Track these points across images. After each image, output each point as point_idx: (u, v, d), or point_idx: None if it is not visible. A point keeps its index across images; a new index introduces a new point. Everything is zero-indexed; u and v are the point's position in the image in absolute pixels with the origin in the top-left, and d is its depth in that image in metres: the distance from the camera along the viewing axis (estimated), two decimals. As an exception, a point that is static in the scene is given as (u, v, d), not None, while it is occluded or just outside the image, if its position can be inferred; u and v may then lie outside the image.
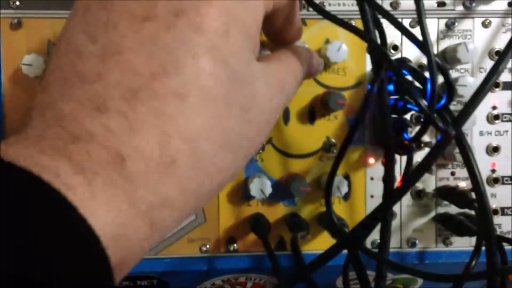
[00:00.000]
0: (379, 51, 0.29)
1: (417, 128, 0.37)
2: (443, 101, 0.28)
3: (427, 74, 0.31)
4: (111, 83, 0.18)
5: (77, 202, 0.15)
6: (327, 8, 0.37)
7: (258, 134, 0.23)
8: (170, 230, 0.20)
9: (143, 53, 0.19)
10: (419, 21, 0.27)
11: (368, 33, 0.30)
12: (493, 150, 0.39)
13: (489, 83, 0.29)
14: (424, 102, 0.27)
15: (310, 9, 0.37)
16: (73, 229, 0.15)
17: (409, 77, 0.34)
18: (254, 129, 0.22)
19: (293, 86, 0.26)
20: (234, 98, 0.21)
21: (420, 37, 0.27)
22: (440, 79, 0.29)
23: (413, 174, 0.29)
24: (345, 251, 0.34)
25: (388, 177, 0.31)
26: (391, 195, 0.31)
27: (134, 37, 0.19)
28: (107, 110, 0.18)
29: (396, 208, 0.39)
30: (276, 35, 0.29)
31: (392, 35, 0.38)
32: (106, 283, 0.16)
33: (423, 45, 0.26)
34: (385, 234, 0.32)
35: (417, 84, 0.33)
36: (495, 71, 0.29)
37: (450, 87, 0.27)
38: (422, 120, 0.36)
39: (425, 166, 0.29)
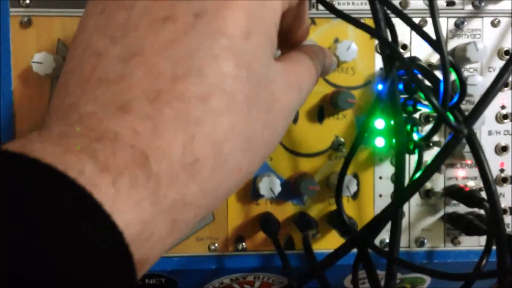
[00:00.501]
0: (391, 48, 0.29)
1: (426, 127, 0.37)
2: (455, 99, 0.28)
3: (436, 73, 0.31)
4: (134, 84, 0.18)
5: (102, 199, 0.15)
6: (338, 7, 0.37)
7: (276, 135, 0.23)
8: (191, 228, 0.20)
9: (165, 55, 0.19)
10: (433, 18, 0.27)
11: (380, 30, 0.30)
12: (502, 149, 0.39)
13: (500, 82, 0.29)
14: (436, 101, 0.27)
15: (320, 8, 0.37)
16: (98, 225, 0.15)
17: (419, 76, 0.34)
18: (273, 130, 0.22)
19: (309, 86, 0.26)
20: (256, 100, 0.21)
21: (432, 36, 0.28)
22: (450, 77, 0.29)
23: (423, 173, 0.29)
24: (354, 250, 0.34)
25: (398, 176, 0.31)
26: (401, 194, 0.31)
27: (155, 38, 0.19)
28: (131, 111, 0.18)
29: (404, 207, 0.39)
30: (286, 34, 0.29)
31: (401, 34, 0.38)
32: (129, 280, 0.16)
33: (436, 43, 0.26)
34: (395, 233, 0.32)
35: (427, 83, 0.33)
36: (506, 70, 0.29)
37: (462, 85, 0.27)
38: (432, 119, 0.36)
39: (436, 165, 0.29)
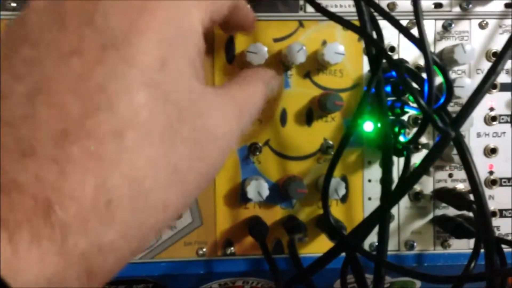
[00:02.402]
0: (377, 47, 0.29)
1: (414, 129, 0.37)
2: (441, 101, 0.28)
3: (424, 76, 0.30)
4: (39, 125, 0.17)
5: None
6: (324, 9, 0.37)
7: (210, 167, 0.22)
8: (114, 273, 0.19)
9: (72, 93, 0.17)
10: (416, 17, 0.27)
11: (365, 29, 0.30)
12: (491, 151, 0.38)
13: (487, 84, 0.29)
14: (423, 102, 0.27)
15: (308, 10, 0.37)
16: None
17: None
18: (207, 163, 0.21)
19: (252, 111, 0.25)
20: (179, 133, 0.19)
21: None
22: (438, 80, 0.29)
23: (411, 176, 0.29)
24: (343, 254, 0.34)
25: (385, 179, 0.31)
26: (389, 197, 0.31)
27: (61, 74, 0.18)
28: (34, 155, 0.16)
29: (394, 210, 0.39)
30: (233, 30, 0.30)
31: (389, 37, 0.38)
32: None
33: (419, 41, 0.26)
34: (383, 236, 0.31)
35: (414, 85, 0.33)
36: (493, 72, 0.29)
37: (449, 85, 0.27)
38: (420, 121, 0.36)
39: (424, 168, 0.29)
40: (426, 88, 0.26)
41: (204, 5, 0.22)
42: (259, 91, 0.27)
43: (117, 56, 0.18)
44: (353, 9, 0.31)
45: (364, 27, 0.28)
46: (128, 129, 0.18)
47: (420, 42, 0.26)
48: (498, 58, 0.30)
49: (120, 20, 0.19)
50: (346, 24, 0.30)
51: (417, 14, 0.27)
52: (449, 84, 0.27)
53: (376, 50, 0.29)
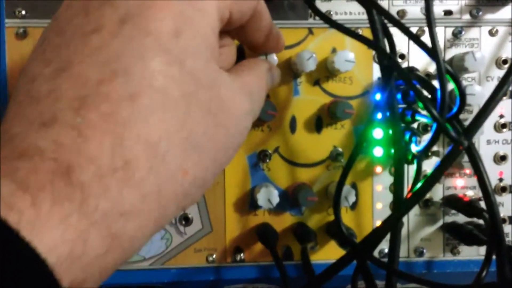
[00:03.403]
0: (389, 59, 0.29)
1: (425, 136, 0.37)
2: (454, 110, 0.28)
3: (435, 84, 0.31)
4: (60, 96, 0.18)
5: (20, 223, 0.15)
6: (334, 17, 0.37)
7: (228, 137, 0.23)
8: (138, 242, 0.19)
9: (91, 63, 0.19)
10: (428, 25, 0.27)
11: (378, 41, 0.30)
12: (501, 158, 0.38)
13: (500, 93, 0.29)
14: (435, 111, 0.27)
15: (317, 18, 0.37)
16: (15, 254, 0.14)
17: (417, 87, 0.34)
18: (223, 132, 0.22)
19: (259, 93, 0.26)
20: (196, 99, 0.20)
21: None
22: (448, 87, 0.29)
23: (423, 185, 0.29)
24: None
25: (397, 187, 0.31)
26: (400, 205, 0.31)
27: (82, 50, 0.19)
28: (55, 123, 0.17)
29: (403, 217, 0.39)
30: (254, 47, 0.30)
31: (399, 44, 0.38)
32: None
33: (432, 50, 0.26)
34: (395, 245, 0.31)
35: (425, 93, 0.33)
36: (506, 80, 0.29)
37: (461, 94, 0.26)
38: (431, 129, 0.36)
39: (436, 177, 0.29)
40: (438, 97, 0.26)
41: None
42: (264, 76, 0.28)
43: (133, 27, 0.19)
44: (363, 17, 0.31)
45: (376, 38, 0.28)
46: (143, 93, 0.19)
47: (432, 51, 0.26)
48: (510, 66, 0.30)
49: None
50: (357, 36, 0.30)
51: (430, 22, 0.27)
52: (462, 93, 0.27)
53: (388, 63, 0.29)
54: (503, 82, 0.28)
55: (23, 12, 0.36)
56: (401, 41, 0.37)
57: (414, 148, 0.32)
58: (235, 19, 0.25)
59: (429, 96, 0.32)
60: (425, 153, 0.33)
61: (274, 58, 0.35)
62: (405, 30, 0.28)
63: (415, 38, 0.27)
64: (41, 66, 0.20)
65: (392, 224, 0.30)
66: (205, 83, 0.21)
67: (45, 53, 0.20)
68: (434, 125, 0.28)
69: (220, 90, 0.22)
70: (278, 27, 0.37)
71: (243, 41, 0.30)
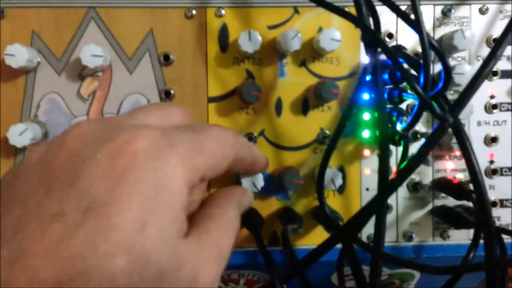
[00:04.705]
0: (373, 36, 0.28)
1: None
2: (440, 86, 0.27)
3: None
4: None
5: None
6: (320, -5, 0.36)
7: None
8: None
9: (49, 259, 0.18)
10: None
11: (362, 18, 0.29)
12: (491, 140, 0.38)
13: (486, 69, 0.28)
14: (420, 88, 0.26)
15: (302, -4, 0.36)
16: None
17: (405, 65, 0.33)
18: None
19: (228, 248, 0.25)
20: None
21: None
22: (437, 67, 0.28)
23: (409, 164, 0.28)
24: (339, 246, 0.33)
25: (382, 169, 0.30)
26: (385, 186, 0.30)
27: (41, 240, 0.18)
28: None
29: (392, 201, 0.38)
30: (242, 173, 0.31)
31: (387, 22, 0.37)
32: None
33: (415, 23, 0.25)
34: (380, 227, 0.30)
35: (413, 72, 0.32)
36: (492, 57, 0.28)
37: (447, 69, 0.25)
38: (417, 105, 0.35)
39: (421, 156, 0.28)
40: (422, 71, 0.25)
41: (192, 165, 0.22)
42: (233, 215, 0.27)
43: (97, 220, 0.19)
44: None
45: (360, 15, 0.27)
46: None
47: (415, 23, 0.25)
48: (497, 43, 0.29)
49: (103, 184, 0.20)
50: (341, 13, 0.29)
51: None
52: (447, 68, 0.26)
53: (373, 40, 0.28)
54: (489, 58, 0.27)
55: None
56: (389, 20, 0.37)
57: (399, 127, 0.32)
58: (210, 177, 0.24)
59: (417, 74, 0.31)
60: (411, 132, 0.32)
61: (258, 37, 0.34)
62: (390, 4, 0.27)
63: (398, 11, 0.26)
64: None
65: (377, 206, 0.30)
66: (170, 270, 0.20)
67: (4, 227, 0.19)
68: (418, 102, 0.27)
69: (188, 268, 0.21)
70: (262, 6, 0.36)
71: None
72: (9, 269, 0.18)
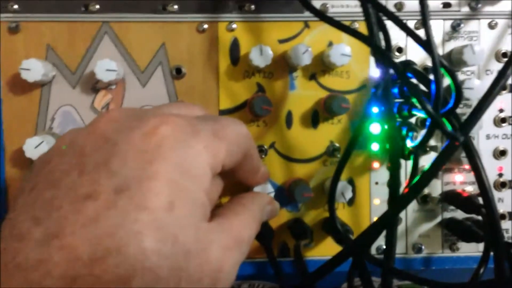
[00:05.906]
0: (383, 55, 0.28)
1: (423, 131, 0.36)
2: (450, 105, 0.27)
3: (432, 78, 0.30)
4: (51, 270, 0.18)
5: None
6: (330, 10, 0.37)
7: None
8: None
9: (84, 236, 0.19)
10: (422, 17, 0.26)
11: (372, 37, 0.29)
12: (500, 153, 0.38)
13: (497, 87, 0.28)
14: (430, 106, 0.26)
15: (313, 11, 0.37)
16: None
17: (414, 80, 0.33)
18: None
19: (250, 236, 0.26)
20: (185, 271, 0.20)
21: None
22: (446, 82, 0.28)
23: (419, 181, 0.29)
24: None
25: (393, 183, 0.30)
26: (396, 201, 0.30)
27: (76, 218, 0.19)
28: None
29: (401, 213, 0.38)
30: (241, 182, 0.31)
31: (397, 37, 0.37)
32: None
33: (427, 44, 0.25)
34: (391, 242, 0.31)
35: (422, 87, 0.32)
36: (504, 74, 0.29)
37: (457, 88, 0.26)
38: (428, 124, 0.35)
39: (432, 173, 0.28)
40: (432, 91, 0.26)
41: (216, 152, 0.24)
42: (254, 216, 0.28)
43: (129, 200, 0.19)
44: (359, 10, 0.30)
45: (371, 33, 0.28)
46: (135, 274, 0.18)
47: (426, 44, 0.25)
48: (509, 59, 0.29)
49: (134, 165, 0.20)
50: (352, 33, 0.29)
51: (424, 15, 0.26)
52: (457, 88, 0.26)
53: (382, 59, 0.28)
54: (500, 76, 0.28)
55: (16, 7, 0.35)
56: (398, 35, 0.37)
57: (410, 144, 0.32)
58: (228, 166, 0.25)
59: (426, 90, 0.31)
60: (422, 148, 0.32)
61: (269, 52, 0.35)
62: (399, 23, 0.27)
63: (410, 32, 0.26)
64: (30, 223, 0.19)
65: (388, 221, 0.30)
66: (195, 252, 0.21)
67: (35, 207, 0.20)
68: (429, 120, 0.27)
69: (209, 252, 0.22)
70: (273, 21, 0.37)
71: (232, 180, 0.30)
72: (45, 248, 0.18)
